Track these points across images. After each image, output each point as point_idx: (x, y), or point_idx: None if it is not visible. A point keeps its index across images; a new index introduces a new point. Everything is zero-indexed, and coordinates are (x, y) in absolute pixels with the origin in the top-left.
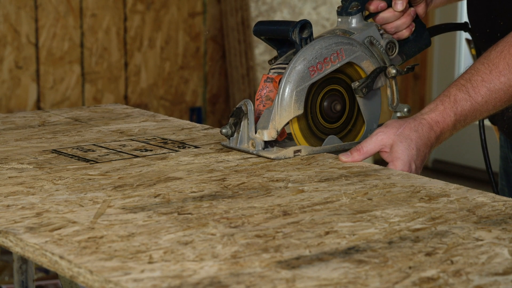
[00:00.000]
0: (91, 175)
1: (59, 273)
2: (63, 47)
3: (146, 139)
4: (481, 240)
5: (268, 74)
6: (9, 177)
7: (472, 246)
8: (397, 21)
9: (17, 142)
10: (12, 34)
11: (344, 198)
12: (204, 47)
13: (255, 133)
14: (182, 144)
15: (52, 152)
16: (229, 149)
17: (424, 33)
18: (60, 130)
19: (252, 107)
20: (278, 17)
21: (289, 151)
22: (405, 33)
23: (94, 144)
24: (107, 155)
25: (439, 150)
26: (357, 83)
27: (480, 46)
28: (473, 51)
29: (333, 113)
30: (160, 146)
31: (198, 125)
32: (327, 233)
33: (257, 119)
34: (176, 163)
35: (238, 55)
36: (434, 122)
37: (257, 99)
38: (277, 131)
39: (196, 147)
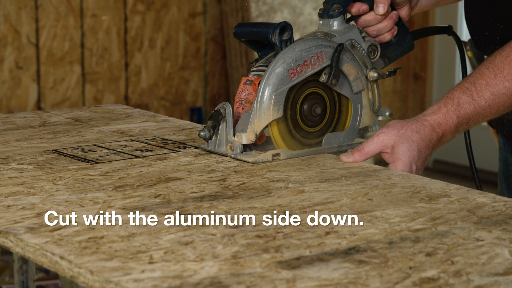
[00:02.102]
0: (92, 175)
1: (59, 273)
2: (64, 47)
3: (147, 139)
4: (482, 240)
5: (248, 76)
6: (10, 178)
7: (473, 247)
8: (379, 24)
9: (17, 143)
10: (12, 34)
11: (344, 198)
12: (204, 48)
13: (234, 136)
14: (183, 145)
15: (53, 153)
16: (208, 152)
17: (407, 36)
18: (61, 130)
19: (231, 109)
20: (278, 17)
21: (267, 155)
22: (387, 37)
23: (94, 145)
24: (108, 155)
25: (440, 150)
26: (323, 77)
27: (479, 49)
28: (469, 53)
29: (313, 117)
30: (161, 147)
31: (198, 125)
32: (327, 233)
33: (236, 122)
34: (177, 164)
35: (239, 56)
36: (436, 124)
37: (236, 102)
38: (256, 135)
39: (196, 147)
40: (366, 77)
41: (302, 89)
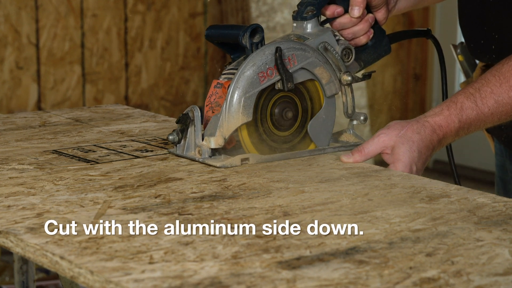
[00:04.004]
0: (92, 175)
1: (59, 273)
2: (64, 47)
3: (147, 139)
4: (482, 240)
5: (218, 79)
6: (10, 178)
7: (473, 247)
8: (354, 27)
9: (17, 143)
10: (12, 35)
11: (344, 198)
12: (204, 48)
13: (202, 140)
14: None
15: (53, 153)
16: (177, 156)
17: (383, 40)
18: (61, 130)
19: (199, 113)
20: (279, 17)
21: (236, 159)
22: (362, 40)
23: (94, 145)
24: (108, 155)
25: (440, 150)
26: (278, 85)
27: (475, 57)
28: (460, 58)
29: (285, 121)
30: (161, 147)
31: None
32: (327, 233)
33: (206, 125)
34: (177, 164)
35: None
36: (438, 126)
37: (207, 105)
38: (225, 139)
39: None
40: (340, 81)
41: (273, 93)
